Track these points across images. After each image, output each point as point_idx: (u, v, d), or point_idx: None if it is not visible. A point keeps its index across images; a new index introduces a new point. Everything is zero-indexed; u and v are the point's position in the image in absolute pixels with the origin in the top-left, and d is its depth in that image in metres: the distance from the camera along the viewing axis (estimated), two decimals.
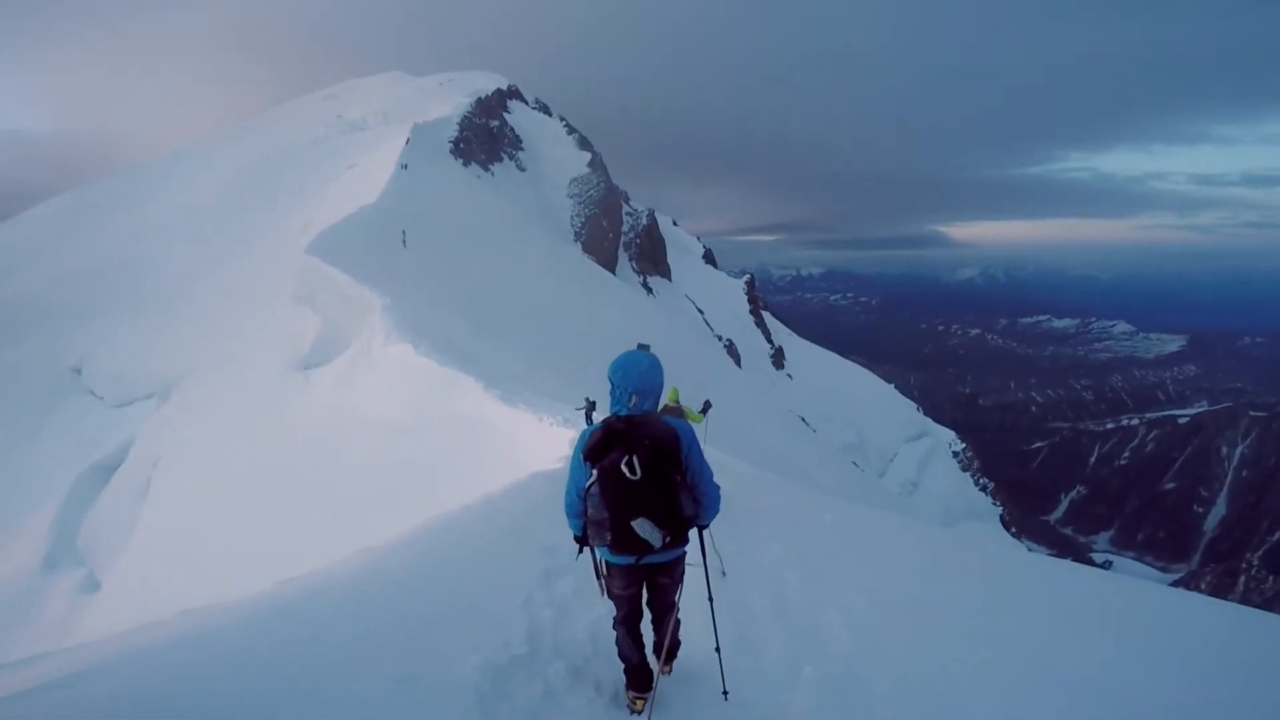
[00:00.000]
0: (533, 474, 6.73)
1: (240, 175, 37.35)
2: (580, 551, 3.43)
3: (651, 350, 3.37)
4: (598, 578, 3.53)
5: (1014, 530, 60.15)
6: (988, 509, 59.71)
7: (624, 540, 3.05)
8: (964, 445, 66.26)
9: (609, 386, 3.11)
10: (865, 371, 73.16)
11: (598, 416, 3.13)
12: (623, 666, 3.44)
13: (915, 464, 59.10)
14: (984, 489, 62.17)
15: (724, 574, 4.96)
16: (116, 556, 14.04)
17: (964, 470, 62.73)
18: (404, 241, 20.86)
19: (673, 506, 3.03)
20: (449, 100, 44.11)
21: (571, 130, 53.57)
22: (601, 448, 3.01)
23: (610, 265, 44.68)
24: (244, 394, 16.22)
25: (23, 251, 34.93)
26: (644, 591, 3.36)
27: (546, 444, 8.32)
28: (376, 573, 4.31)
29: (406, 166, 27.10)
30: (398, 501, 8.51)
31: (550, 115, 55.64)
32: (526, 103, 54.39)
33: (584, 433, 3.15)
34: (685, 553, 3.31)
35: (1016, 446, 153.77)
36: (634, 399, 3.04)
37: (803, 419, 48.32)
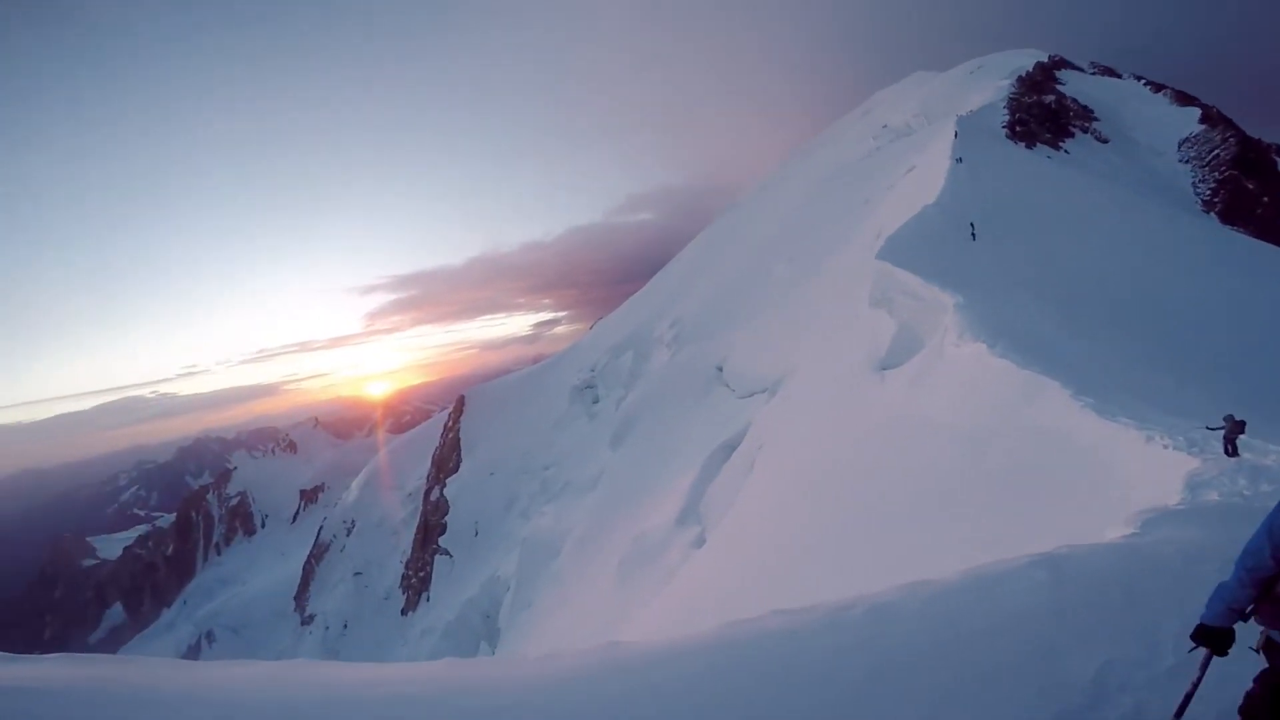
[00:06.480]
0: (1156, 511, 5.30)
1: (811, 195, 42.38)
2: (1203, 648, 2.58)
3: None
4: (1184, 702, 2.65)
5: None
6: None
7: None
8: None
9: None
10: None
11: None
12: None
13: None
14: None
15: None
16: (721, 520, 17.50)
17: None
18: (973, 235, 20.04)
19: None
20: (986, 87, 42.52)
21: (1159, 87, 44.24)
22: None
23: (1275, 237, 33.48)
24: (829, 393, 18.23)
25: (684, 280, 47.66)
26: None
27: (1155, 471, 6.84)
28: (887, 617, 4.12)
29: (961, 160, 26.37)
30: (956, 514, 8.34)
31: (1121, 77, 47.88)
32: (1081, 70, 48.08)
33: None
34: None
35: None
36: None
37: None
